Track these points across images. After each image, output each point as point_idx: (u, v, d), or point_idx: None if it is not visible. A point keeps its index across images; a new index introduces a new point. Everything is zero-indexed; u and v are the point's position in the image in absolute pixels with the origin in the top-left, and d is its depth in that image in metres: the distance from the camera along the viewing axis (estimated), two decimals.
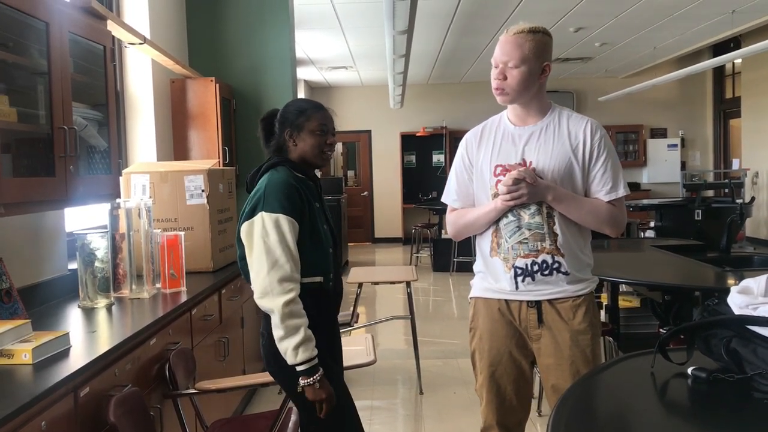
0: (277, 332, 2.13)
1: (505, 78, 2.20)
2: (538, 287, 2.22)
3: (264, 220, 2.13)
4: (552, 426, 1.43)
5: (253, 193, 2.24)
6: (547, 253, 2.21)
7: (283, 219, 2.13)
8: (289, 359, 2.13)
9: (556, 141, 2.23)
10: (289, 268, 2.12)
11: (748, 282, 1.77)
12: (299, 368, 2.13)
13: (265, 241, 2.12)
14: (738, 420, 1.47)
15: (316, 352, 2.14)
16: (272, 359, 2.28)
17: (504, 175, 2.23)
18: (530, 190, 2.15)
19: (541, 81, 2.25)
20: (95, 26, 2.90)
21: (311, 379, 2.14)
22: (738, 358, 1.60)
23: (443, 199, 2.46)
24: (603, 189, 2.24)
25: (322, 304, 2.27)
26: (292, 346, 2.11)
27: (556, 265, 2.21)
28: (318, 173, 2.50)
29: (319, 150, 2.30)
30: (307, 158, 2.31)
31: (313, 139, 2.29)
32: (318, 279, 2.25)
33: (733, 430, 1.44)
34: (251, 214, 2.17)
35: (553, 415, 1.50)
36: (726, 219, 4.07)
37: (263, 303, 2.15)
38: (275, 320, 2.13)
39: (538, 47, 2.19)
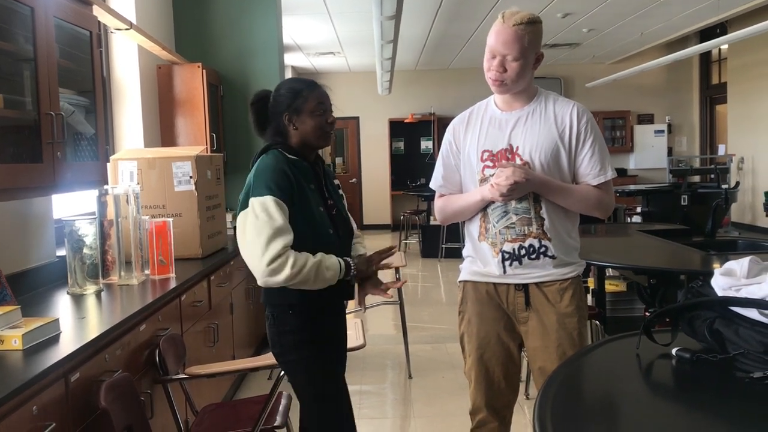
0: (306, 287, 2.15)
1: (505, 70, 2.19)
2: (525, 271, 2.25)
3: (254, 206, 2.12)
4: (538, 407, 1.45)
5: (246, 182, 2.23)
6: (534, 237, 2.23)
7: (270, 201, 2.11)
8: (332, 283, 2.19)
9: (542, 125, 2.24)
10: (281, 244, 2.08)
11: (731, 264, 1.80)
12: (343, 279, 2.21)
13: (255, 225, 2.10)
14: (721, 398, 1.50)
15: (336, 263, 2.18)
16: (276, 342, 2.28)
17: (491, 161, 2.25)
18: (522, 188, 2.16)
19: (534, 69, 2.26)
20: (81, 11, 2.88)
21: (353, 272, 2.23)
22: (721, 338, 1.62)
23: (431, 185, 2.46)
24: (591, 173, 2.25)
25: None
26: (328, 279, 2.15)
27: (542, 249, 2.23)
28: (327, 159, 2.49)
29: (322, 131, 2.27)
30: (309, 140, 2.28)
31: (313, 120, 2.25)
32: None
33: (716, 408, 1.46)
34: (245, 204, 2.17)
35: (540, 396, 1.52)
36: (711, 204, 4.11)
37: (271, 282, 2.11)
38: (296, 287, 2.13)
39: (535, 38, 2.20)
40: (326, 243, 2.23)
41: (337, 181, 2.49)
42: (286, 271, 2.07)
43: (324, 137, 2.29)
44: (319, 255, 2.15)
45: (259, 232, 2.10)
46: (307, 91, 2.27)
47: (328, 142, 2.34)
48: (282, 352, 2.29)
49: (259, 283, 2.14)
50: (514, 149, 2.24)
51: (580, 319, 2.27)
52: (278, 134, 2.30)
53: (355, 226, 2.49)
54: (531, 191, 2.20)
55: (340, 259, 2.20)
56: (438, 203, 2.45)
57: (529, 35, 2.17)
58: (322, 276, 2.14)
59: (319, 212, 2.25)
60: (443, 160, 2.42)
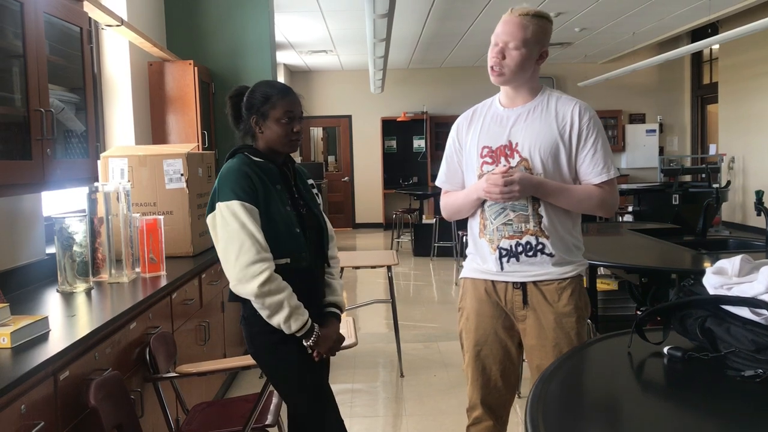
0: (264, 313, 2.17)
1: (504, 58, 2.19)
2: (523, 268, 2.23)
3: (222, 210, 2.16)
4: (530, 405, 1.45)
5: (214, 185, 2.26)
6: (531, 235, 2.22)
7: (238, 205, 2.14)
8: (285, 330, 2.18)
9: (542, 122, 2.22)
10: (254, 251, 2.12)
11: (722, 263, 1.80)
12: (297, 335, 2.19)
13: (227, 230, 2.15)
14: (712, 397, 1.50)
15: (306, 314, 2.20)
16: (252, 341, 2.30)
17: (490, 157, 2.25)
18: (519, 190, 2.15)
19: (537, 66, 2.25)
20: (71, 7, 2.86)
21: (311, 340, 2.22)
22: (712, 337, 1.63)
23: (436, 182, 2.50)
24: (593, 171, 2.22)
25: (295, 285, 2.21)
26: (282, 320, 2.16)
27: (540, 247, 2.21)
28: (298, 158, 2.51)
29: (286, 139, 2.29)
30: (273, 146, 2.31)
31: (278, 127, 2.27)
32: (284, 261, 2.22)
33: (708, 406, 1.46)
34: (211, 207, 2.21)
35: (531, 394, 1.52)
36: (702, 203, 4.12)
37: (239, 290, 2.17)
38: (256, 304, 2.16)
39: (540, 32, 2.19)
40: (293, 242, 2.24)
41: (310, 181, 2.51)
42: (257, 282, 2.11)
43: (288, 145, 2.31)
44: (299, 303, 2.19)
45: (231, 238, 2.14)
46: (277, 97, 2.28)
47: (293, 149, 2.36)
48: (258, 353, 2.33)
49: (231, 286, 2.19)
50: (514, 146, 2.23)
51: (578, 319, 2.25)
52: (247, 133, 2.34)
53: (330, 226, 2.51)
54: (531, 194, 2.19)
55: (311, 321, 2.22)
56: (442, 200, 2.48)
57: (534, 27, 2.17)
58: (288, 317, 2.16)
59: (285, 212, 2.25)
60: (447, 157, 2.44)
